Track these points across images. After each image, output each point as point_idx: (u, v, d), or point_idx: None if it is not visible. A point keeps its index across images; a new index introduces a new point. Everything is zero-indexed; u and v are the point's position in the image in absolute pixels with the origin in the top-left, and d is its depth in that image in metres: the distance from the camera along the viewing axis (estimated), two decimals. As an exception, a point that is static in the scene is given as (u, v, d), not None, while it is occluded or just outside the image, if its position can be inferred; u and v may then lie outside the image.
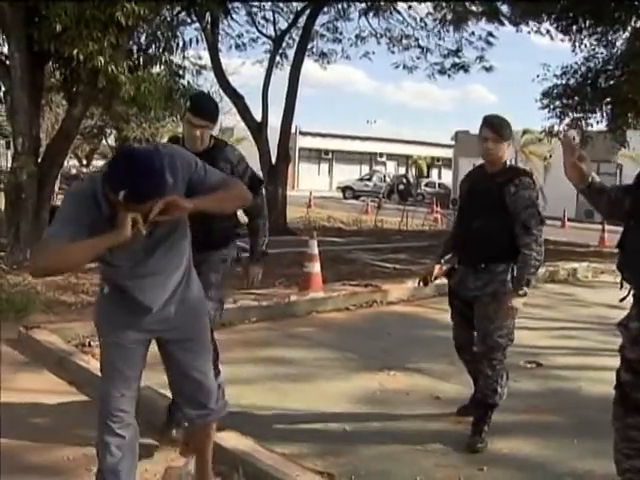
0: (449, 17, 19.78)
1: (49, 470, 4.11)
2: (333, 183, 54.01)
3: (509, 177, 4.47)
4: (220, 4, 14.81)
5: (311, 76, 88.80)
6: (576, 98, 18.28)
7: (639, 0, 16.64)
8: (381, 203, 27.03)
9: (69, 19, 9.50)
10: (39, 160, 11.28)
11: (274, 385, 5.72)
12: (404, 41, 21.04)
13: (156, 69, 11.70)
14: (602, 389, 5.18)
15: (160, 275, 3.18)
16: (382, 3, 19.72)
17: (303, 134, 51.57)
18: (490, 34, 20.07)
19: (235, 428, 4.38)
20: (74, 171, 37.95)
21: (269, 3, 19.70)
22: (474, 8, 19.08)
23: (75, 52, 9.61)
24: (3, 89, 12.00)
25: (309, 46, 20.06)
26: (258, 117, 18.55)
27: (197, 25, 16.67)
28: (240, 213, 4.36)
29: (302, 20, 19.15)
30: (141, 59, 11.26)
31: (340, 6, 20.22)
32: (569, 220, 26.42)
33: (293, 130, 23.53)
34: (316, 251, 9.44)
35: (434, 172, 59.55)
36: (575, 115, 18.74)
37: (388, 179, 46.90)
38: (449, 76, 21.05)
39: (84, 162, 42.22)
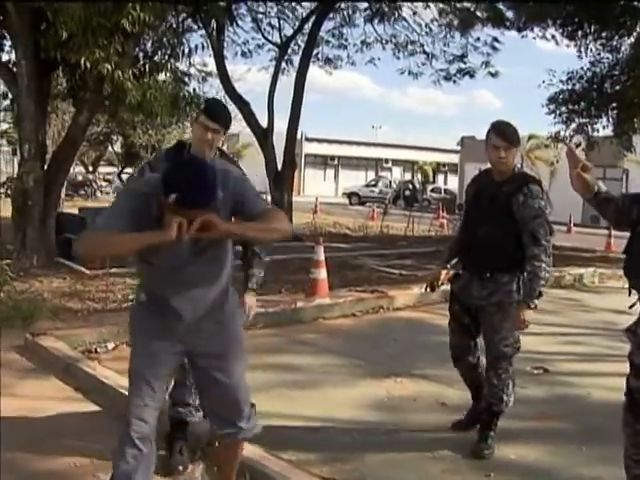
0: (455, 22, 19.79)
1: (55, 477, 4.10)
2: (339, 189, 54.02)
3: (518, 185, 4.40)
4: (225, 11, 14.87)
5: (317, 82, 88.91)
6: (582, 103, 18.27)
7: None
8: (387, 209, 26.99)
9: (75, 26, 9.55)
10: (45, 167, 11.33)
11: (281, 392, 5.72)
12: (409, 47, 21.08)
13: (162, 76, 11.75)
14: (609, 395, 5.19)
15: (199, 285, 3.19)
16: (386, 9, 19.74)
17: (309, 140, 51.64)
18: (495, 39, 20.08)
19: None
20: (80, 178, 38.04)
21: (274, 10, 19.76)
22: (479, 13, 19.08)
23: (81, 59, 9.65)
24: (10, 96, 12.07)
25: (315, 52, 20.11)
26: (264, 123, 18.60)
27: (203, 32, 16.78)
28: None
29: (307, 26, 19.20)
30: (147, 66, 11.30)
31: (345, 12, 20.27)
32: (575, 225, 26.34)
33: (299, 136, 23.57)
34: (322, 257, 9.43)
35: (440, 178, 59.54)
36: (581, 120, 18.73)
37: (394, 185, 46.86)
38: (454, 82, 21.04)
39: (90, 169, 42.31)
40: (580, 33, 17.65)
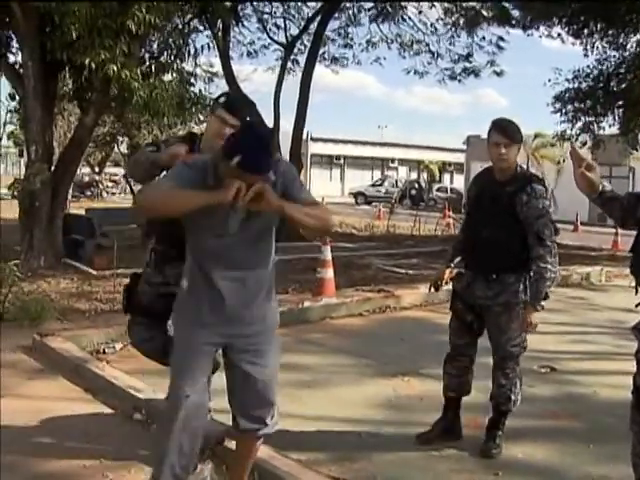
0: (460, 22, 19.79)
1: (65, 477, 4.11)
2: (345, 189, 53.95)
3: (521, 185, 4.37)
4: (231, 11, 14.89)
5: (322, 82, 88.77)
6: (588, 102, 18.27)
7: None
8: (393, 208, 26.99)
9: (81, 28, 9.57)
10: (52, 168, 11.36)
11: (289, 391, 5.70)
12: (415, 46, 21.11)
13: (168, 76, 11.78)
14: (617, 394, 5.19)
15: (243, 266, 3.21)
16: (391, 9, 19.74)
17: (315, 140, 51.56)
18: (501, 38, 20.12)
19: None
20: (87, 179, 38.12)
21: (280, 10, 19.78)
22: (485, 12, 19.07)
23: (87, 60, 9.69)
24: (17, 98, 12.11)
25: (320, 52, 20.11)
26: (270, 123, 18.57)
27: (208, 32, 16.78)
28: None
29: (313, 26, 19.20)
30: (153, 67, 11.35)
31: (351, 12, 20.28)
32: (582, 224, 26.27)
33: (305, 136, 23.57)
34: (329, 257, 9.45)
35: (446, 177, 59.45)
36: (587, 119, 18.72)
37: (400, 184, 46.83)
38: (460, 81, 21.10)
39: (97, 169, 42.35)
40: (586, 31, 17.64)
